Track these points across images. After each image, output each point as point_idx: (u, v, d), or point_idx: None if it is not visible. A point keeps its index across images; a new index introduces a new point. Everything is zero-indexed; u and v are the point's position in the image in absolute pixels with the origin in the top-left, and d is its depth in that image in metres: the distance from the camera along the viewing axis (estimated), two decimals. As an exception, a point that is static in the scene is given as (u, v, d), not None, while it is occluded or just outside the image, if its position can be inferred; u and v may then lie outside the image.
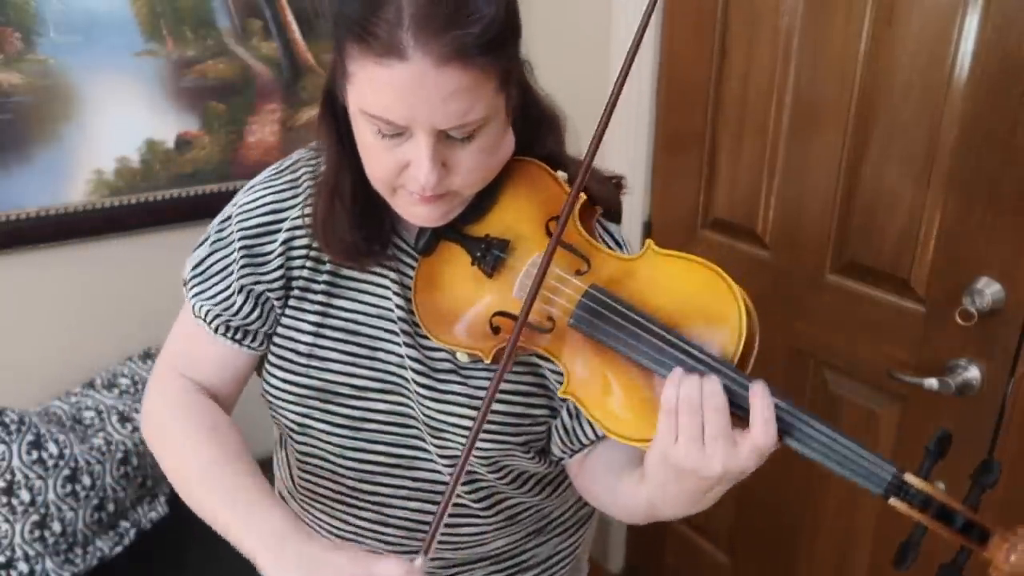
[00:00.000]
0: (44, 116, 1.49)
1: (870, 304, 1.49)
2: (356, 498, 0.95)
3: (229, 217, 0.91)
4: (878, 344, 1.49)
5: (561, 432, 0.90)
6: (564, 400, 0.85)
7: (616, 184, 0.93)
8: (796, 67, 1.53)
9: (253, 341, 0.93)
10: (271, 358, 0.92)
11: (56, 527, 1.46)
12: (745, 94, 1.65)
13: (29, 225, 1.51)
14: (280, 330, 0.92)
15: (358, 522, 0.96)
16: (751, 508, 1.87)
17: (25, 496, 1.42)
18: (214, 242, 0.91)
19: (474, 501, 0.94)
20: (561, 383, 0.78)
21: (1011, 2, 1.20)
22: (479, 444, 0.87)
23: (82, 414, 1.58)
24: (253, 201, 0.91)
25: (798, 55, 1.52)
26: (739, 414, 0.69)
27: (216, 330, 0.91)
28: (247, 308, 0.90)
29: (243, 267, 0.89)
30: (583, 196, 0.81)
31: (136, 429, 1.60)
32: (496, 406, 0.86)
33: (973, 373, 1.33)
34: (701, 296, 0.74)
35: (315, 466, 0.95)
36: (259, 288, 0.90)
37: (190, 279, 0.92)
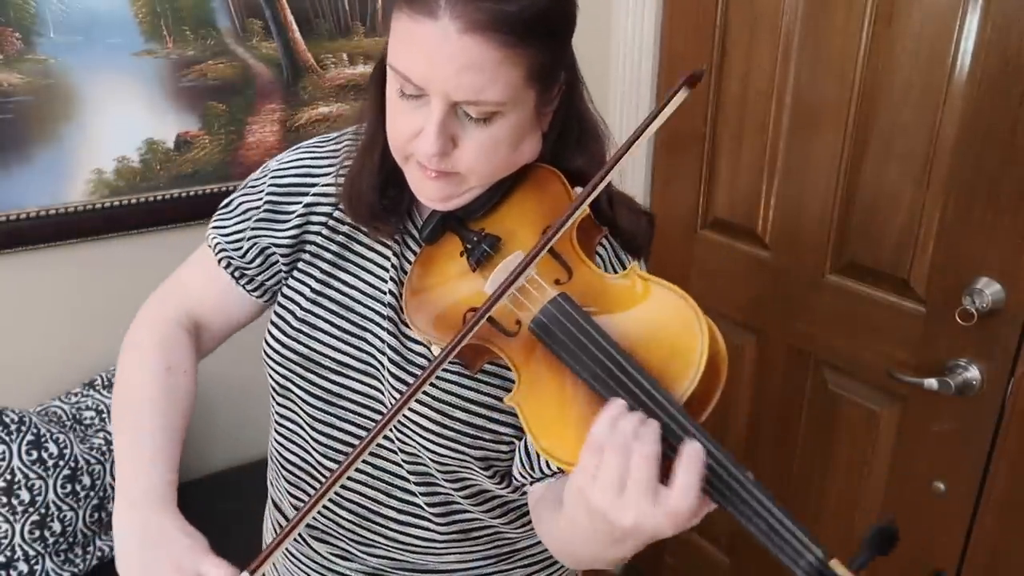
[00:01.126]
0: (44, 116, 1.49)
1: (870, 304, 1.49)
2: (318, 472, 0.94)
3: (265, 170, 0.94)
4: (878, 344, 1.49)
5: (523, 455, 0.86)
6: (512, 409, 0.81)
7: (648, 221, 0.90)
8: (796, 67, 1.53)
9: (249, 284, 0.95)
10: (273, 316, 0.94)
11: (56, 527, 1.46)
12: (745, 94, 1.65)
13: (29, 225, 1.51)
14: (285, 290, 0.93)
15: (312, 495, 0.94)
16: (751, 508, 1.87)
17: (25, 496, 1.42)
18: (247, 186, 0.95)
19: (428, 505, 0.92)
20: (513, 388, 0.75)
21: (1011, 2, 1.20)
22: (434, 447, 0.85)
23: (82, 414, 1.58)
24: (292, 161, 0.93)
25: (798, 55, 1.52)
26: (670, 460, 0.63)
27: (220, 262, 0.95)
28: (251, 255, 0.93)
29: (260, 220, 0.92)
30: (587, 211, 0.79)
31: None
32: (456, 413, 0.84)
33: (973, 373, 1.33)
34: (668, 326, 0.70)
35: (289, 431, 0.96)
36: (265, 242, 0.92)
37: (218, 211, 0.96)
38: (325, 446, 0.92)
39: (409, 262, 0.89)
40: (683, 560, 2.11)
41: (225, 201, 0.97)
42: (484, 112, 0.74)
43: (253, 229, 0.92)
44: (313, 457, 0.94)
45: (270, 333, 0.94)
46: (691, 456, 0.60)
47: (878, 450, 1.55)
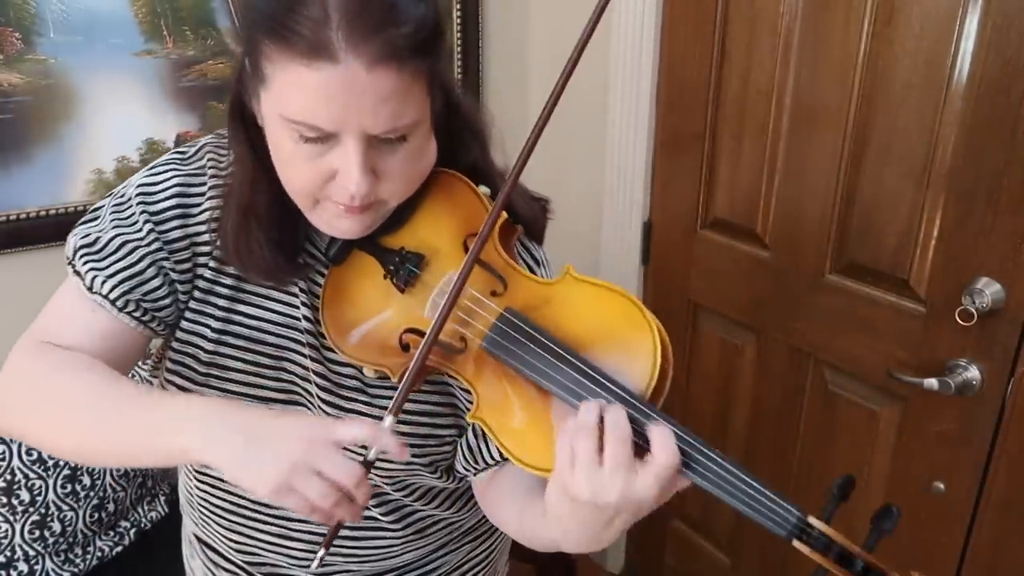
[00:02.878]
0: (44, 116, 1.49)
1: (870, 304, 1.49)
2: (257, 512, 0.90)
3: (128, 198, 0.83)
4: (878, 344, 1.49)
5: (465, 450, 0.86)
6: (451, 410, 0.82)
7: (542, 207, 0.89)
8: (796, 67, 1.53)
9: (152, 322, 0.83)
10: (170, 364, 0.86)
11: (56, 527, 1.46)
12: (745, 94, 1.65)
13: (29, 225, 1.51)
14: (180, 334, 0.85)
15: (260, 535, 0.92)
16: (751, 508, 1.87)
17: (25, 496, 1.42)
18: (113, 220, 0.83)
19: (383, 515, 0.91)
20: (471, 405, 0.75)
21: (1011, 2, 1.20)
22: (383, 464, 0.84)
23: (82, 414, 1.58)
24: (158, 184, 0.83)
25: (798, 55, 1.52)
26: (643, 446, 0.66)
27: (122, 307, 0.81)
28: (163, 291, 0.82)
29: (157, 250, 0.82)
30: (503, 215, 0.78)
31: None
32: (401, 427, 0.82)
33: (973, 373, 1.33)
34: (617, 325, 0.72)
35: (214, 478, 0.90)
36: (167, 266, 0.82)
37: (80, 253, 0.82)
38: None
39: (318, 285, 0.84)
40: (683, 560, 2.11)
41: (84, 244, 0.82)
42: (400, 134, 0.72)
43: (152, 256, 0.82)
44: (246, 499, 0.89)
45: (170, 382, 0.85)
46: (663, 425, 0.65)
47: (878, 450, 1.55)
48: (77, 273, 0.82)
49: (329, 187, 0.73)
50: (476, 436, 0.86)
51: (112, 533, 1.56)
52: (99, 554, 1.53)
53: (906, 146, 1.38)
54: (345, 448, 0.68)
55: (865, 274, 1.49)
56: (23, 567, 1.43)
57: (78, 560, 1.50)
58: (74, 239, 0.84)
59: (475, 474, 0.88)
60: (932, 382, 1.34)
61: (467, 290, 0.75)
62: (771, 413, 1.77)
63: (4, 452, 1.40)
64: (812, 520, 0.68)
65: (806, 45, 1.51)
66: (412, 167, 0.75)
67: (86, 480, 1.49)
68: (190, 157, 0.86)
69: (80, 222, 0.86)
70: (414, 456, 0.84)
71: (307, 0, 0.65)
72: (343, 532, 0.89)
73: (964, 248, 1.32)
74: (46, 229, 1.53)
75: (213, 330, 0.84)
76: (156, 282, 0.82)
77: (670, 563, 2.15)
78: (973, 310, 1.29)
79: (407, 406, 0.83)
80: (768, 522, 0.67)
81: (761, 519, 0.67)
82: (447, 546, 1.00)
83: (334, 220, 0.76)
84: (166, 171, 0.84)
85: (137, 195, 0.83)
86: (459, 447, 0.87)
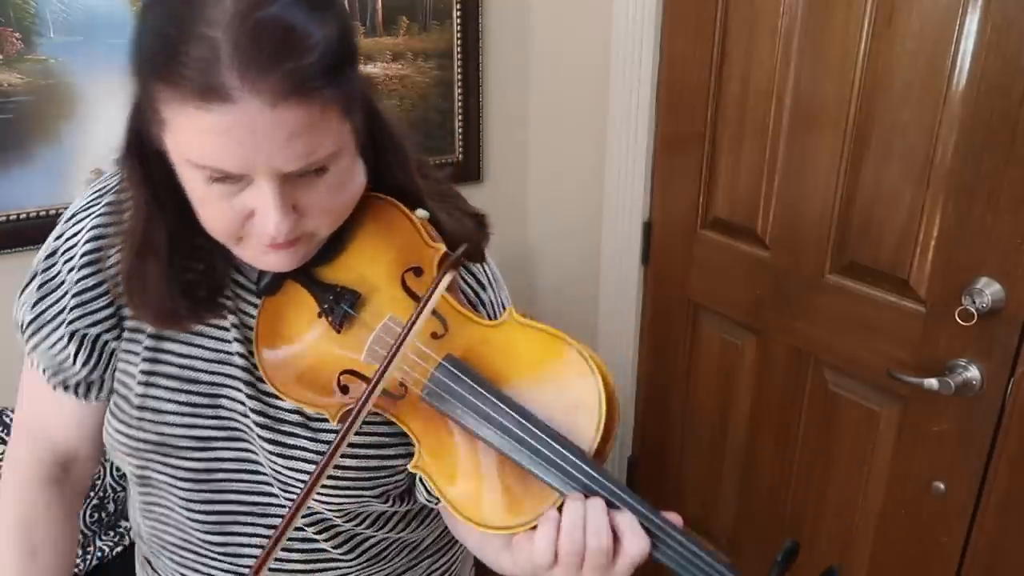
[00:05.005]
0: (44, 116, 1.49)
1: (870, 304, 1.49)
2: (207, 549, 0.86)
3: (55, 252, 0.80)
4: (878, 344, 1.49)
5: (422, 487, 0.82)
6: (400, 437, 0.78)
7: (478, 222, 0.84)
8: (796, 67, 1.53)
9: (100, 392, 0.82)
10: (111, 406, 0.83)
11: (56, 527, 1.46)
12: (745, 94, 1.65)
13: (29, 225, 1.51)
14: (117, 375, 0.82)
15: (210, 572, 0.88)
16: (751, 508, 1.87)
17: (25, 496, 1.42)
18: (42, 284, 0.80)
19: (334, 547, 0.86)
20: (415, 452, 0.72)
21: (1011, 2, 1.20)
22: (329, 499, 0.80)
23: (82, 414, 1.58)
24: (76, 233, 0.80)
25: (798, 55, 1.53)
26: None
27: (56, 387, 0.82)
28: (82, 358, 0.80)
29: (73, 309, 0.79)
30: (441, 249, 0.75)
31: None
32: (347, 461, 0.79)
33: (973, 373, 1.33)
34: (564, 377, 0.69)
35: (161, 515, 0.87)
36: (93, 332, 0.79)
37: (27, 328, 0.81)
38: (206, 523, 0.84)
39: (251, 316, 0.80)
40: (683, 560, 2.11)
41: (31, 315, 0.81)
42: (318, 167, 0.66)
43: (70, 326, 0.79)
44: (195, 537, 0.86)
45: (110, 424, 0.83)
46: (629, 518, 0.66)
47: (878, 450, 1.55)
48: (28, 352, 0.82)
49: (249, 225, 0.68)
50: None
51: (112, 533, 1.56)
52: (99, 554, 1.53)
53: (906, 146, 1.38)
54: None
55: (865, 274, 1.49)
56: (23, 567, 1.43)
57: (78, 560, 1.50)
58: (20, 312, 0.82)
59: (438, 502, 0.83)
60: (932, 382, 1.34)
61: (411, 342, 0.72)
62: (771, 413, 1.77)
63: (4, 452, 1.40)
64: None
65: (806, 45, 1.51)
66: (337, 197, 0.70)
67: (86, 480, 1.49)
68: (101, 194, 0.82)
69: (24, 283, 0.83)
70: (364, 489, 0.80)
71: (192, 38, 0.59)
72: (290, 565, 0.86)
73: (964, 248, 1.32)
74: (46, 229, 1.50)
75: (143, 371, 0.80)
76: (73, 349, 0.80)
77: (670, 563, 2.14)
78: (973, 310, 1.29)
79: (354, 439, 0.79)
80: None
81: None
82: (408, 568, 0.96)
83: (261, 256, 0.71)
84: (82, 217, 0.81)
85: (63, 248, 0.80)
86: (418, 483, 0.83)
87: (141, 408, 0.79)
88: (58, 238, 0.81)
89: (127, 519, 1.59)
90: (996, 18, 1.22)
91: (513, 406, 0.68)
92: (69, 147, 1.53)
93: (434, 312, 0.73)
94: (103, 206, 0.80)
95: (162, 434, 0.79)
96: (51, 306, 0.79)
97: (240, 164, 0.62)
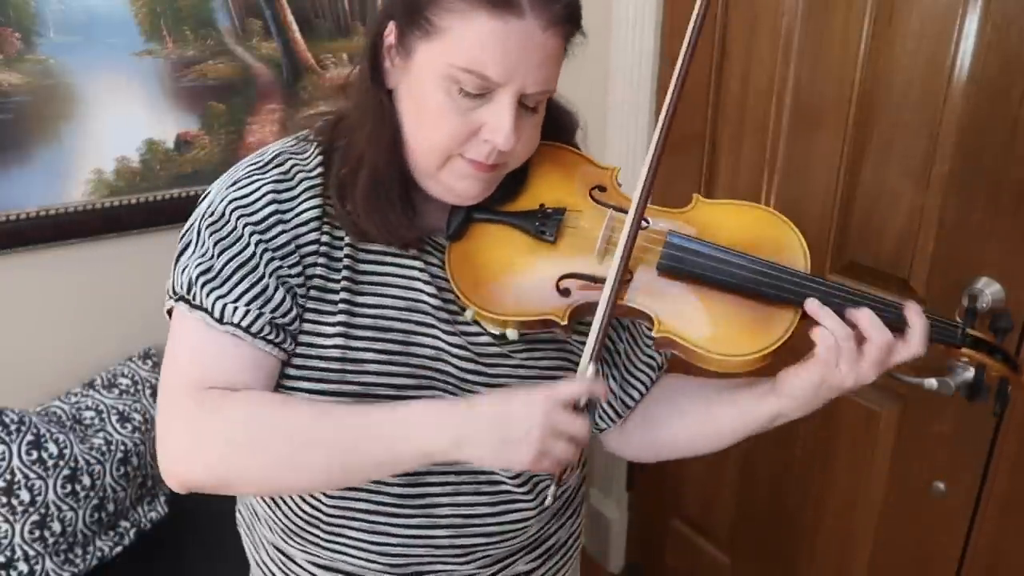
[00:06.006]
0: (44, 116, 1.49)
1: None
2: (401, 506, 0.88)
3: (223, 215, 0.82)
4: (878, 344, 1.49)
5: (609, 398, 0.94)
6: (654, 340, 0.84)
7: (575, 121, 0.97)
8: (796, 67, 1.53)
9: (284, 342, 0.82)
10: (292, 370, 0.83)
11: (56, 527, 1.46)
12: (745, 94, 1.65)
13: (29, 225, 1.51)
14: (302, 337, 0.83)
15: (405, 531, 0.90)
16: (751, 508, 1.87)
17: (25, 496, 1.42)
18: (216, 243, 0.81)
19: (516, 486, 0.92)
20: (651, 327, 0.82)
21: (1011, 2, 1.20)
22: None
23: (82, 414, 1.58)
24: (250, 195, 0.82)
25: (798, 55, 1.52)
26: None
27: (258, 332, 0.79)
28: (288, 302, 0.81)
29: (269, 260, 0.81)
30: (614, 168, 0.91)
31: (136, 429, 1.60)
32: (521, 385, 0.87)
33: (973, 373, 1.33)
34: (762, 229, 0.86)
35: (347, 489, 0.88)
36: (291, 281, 0.82)
37: (201, 283, 0.80)
38: (403, 475, 0.86)
39: (435, 264, 0.87)
40: (683, 560, 2.11)
41: (201, 274, 0.80)
42: (542, 98, 0.79)
43: (274, 272, 0.80)
44: (389, 494, 0.87)
45: (297, 388, 0.83)
46: (916, 310, 0.83)
47: (878, 450, 1.55)
48: (199, 307, 0.79)
49: (469, 143, 0.78)
50: (615, 381, 0.97)
51: (112, 533, 1.56)
52: (99, 554, 1.53)
53: (906, 146, 1.38)
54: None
55: (865, 274, 1.49)
56: (23, 567, 1.43)
57: (78, 560, 1.50)
58: (184, 273, 0.81)
59: (619, 418, 0.98)
60: (932, 382, 1.34)
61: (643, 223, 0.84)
62: (771, 413, 1.76)
63: (4, 452, 1.40)
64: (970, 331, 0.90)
65: (806, 45, 1.51)
66: (534, 137, 0.82)
67: (86, 480, 1.49)
68: (267, 164, 0.85)
69: (177, 254, 0.84)
70: None
71: None
72: (480, 510, 0.91)
73: (964, 248, 1.32)
74: (46, 229, 1.53)
75: (337, 324, 0.83)
76: (279, 295, 0.81)
77: (670, 563, 2.14)
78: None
79: (542, 363, 0.89)
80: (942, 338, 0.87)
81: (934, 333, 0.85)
82: (557, 517, 1.03)
83: (457, 182, 0.81)
84: (252, 181, 0.83)
85: (233, 211, 0.81)
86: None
87: (343, 360, 0.83)
88: (224, 200, 0.82)
89: (127, 519, 1.59)
90: (996, 17, 1.22)
91: (738, 252, 0.82)
92: (69, 147, 1.53)
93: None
94: (274, 175, 0.84)
95: (363, 384, 0.84)
96: (236, 258, 0.80)
97: (503, 73, 0.74)
